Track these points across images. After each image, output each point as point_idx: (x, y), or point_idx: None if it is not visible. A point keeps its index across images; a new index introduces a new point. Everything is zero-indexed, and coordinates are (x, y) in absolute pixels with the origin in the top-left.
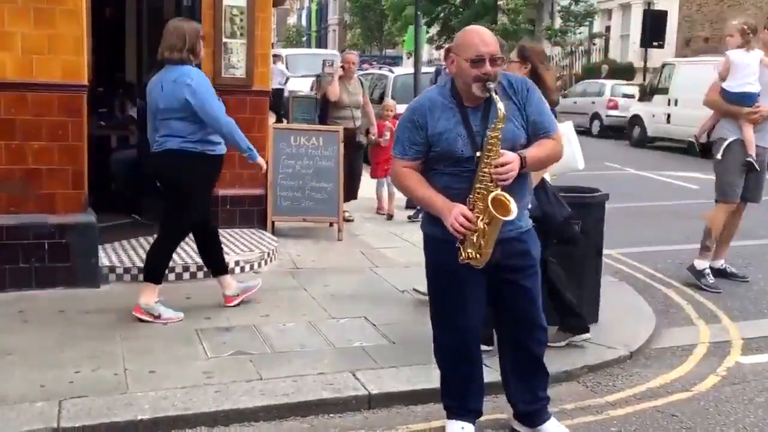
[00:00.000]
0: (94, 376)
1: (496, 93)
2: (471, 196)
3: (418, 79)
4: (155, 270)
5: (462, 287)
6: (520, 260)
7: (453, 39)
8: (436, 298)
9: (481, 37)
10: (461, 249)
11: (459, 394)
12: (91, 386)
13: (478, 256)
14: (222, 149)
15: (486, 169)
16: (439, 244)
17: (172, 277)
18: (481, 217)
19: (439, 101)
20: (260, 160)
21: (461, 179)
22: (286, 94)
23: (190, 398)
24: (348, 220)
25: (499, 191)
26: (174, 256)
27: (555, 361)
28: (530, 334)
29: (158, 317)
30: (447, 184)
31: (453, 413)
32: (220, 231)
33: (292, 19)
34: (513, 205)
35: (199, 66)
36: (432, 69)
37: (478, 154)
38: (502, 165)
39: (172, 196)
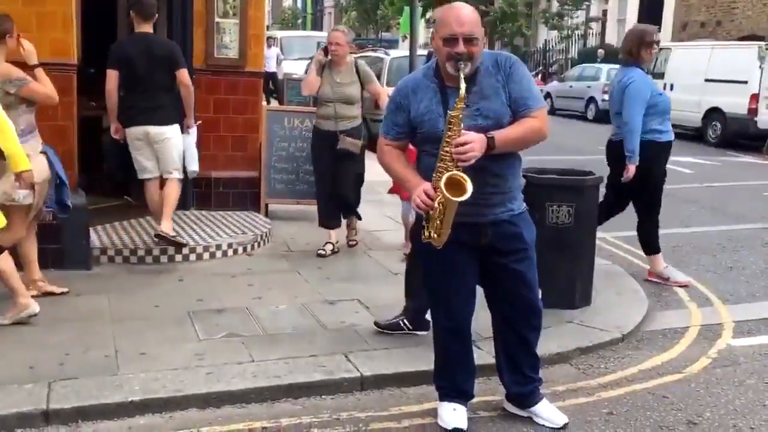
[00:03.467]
0: (84, 358)
1: (476, 73)
2: (433, 175)
3: (414, 62)
4: (650, 244)
5: (454, 270)
6: (512, 243)
7: None
8: (429, 281)
9: (456, 15)
10: (425, 227)
11: (451, 375)
12: (81, 368)
13: (435, 236)
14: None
15: (447, 149)
16: None
17: (164, 259)
18: (439, 197)
19: (423, 82)
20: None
21: None
22: (280, 76)
23: (181, 380)
24: (330, 252)
25: (456, 171)
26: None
27: (547, 344)
28: (522, 318)
29: (667, 280)
30: (432, 166)
31: (445, 395)
32: (213, 213)
33: (287, 2)
34: (469, 186)
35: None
36: (426, 52)
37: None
38: (462, 144)
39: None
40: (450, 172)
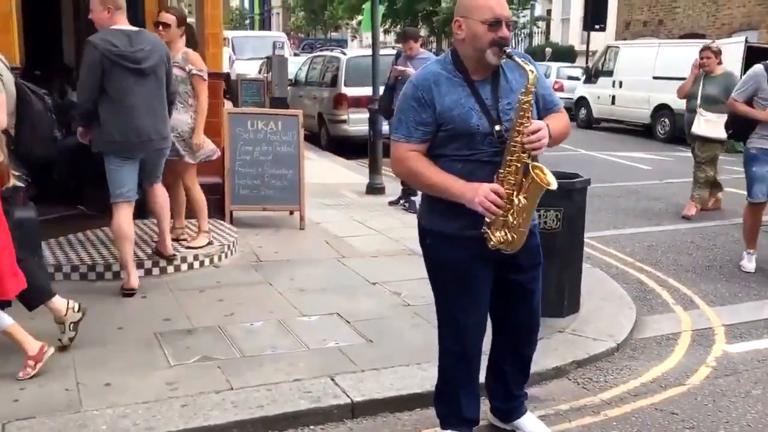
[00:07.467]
0: (42, 393)
1: (500, 66)
2: (501, 170)
3: (377, 61)
4: None
5: (470, 287)
6: (532, 257)
7: (399, 23)
8: (442, 299)
9: None
10: (489, 233)
11: (456, 403)
12: (40, 405)
13: (513, 237)
14: None
15: (518, 138)
16: (449, 241)
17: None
18: (515, 192)
19: (443, 75)
20: None
21: (477, 164)
22: (233, 77)
23: (153, 415)
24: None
25: (534, 161)
26: (134, 251)
27: (543, 357)
28: (525, 337)
29: None
30: (461, 172)
31: (448, 423)
32: None
33: (234, 2)
34: (550, 175)
35: None
36: (393, 51)
37: (497, 128)
38: (534, 132)
39: None
40: (530, 162)
